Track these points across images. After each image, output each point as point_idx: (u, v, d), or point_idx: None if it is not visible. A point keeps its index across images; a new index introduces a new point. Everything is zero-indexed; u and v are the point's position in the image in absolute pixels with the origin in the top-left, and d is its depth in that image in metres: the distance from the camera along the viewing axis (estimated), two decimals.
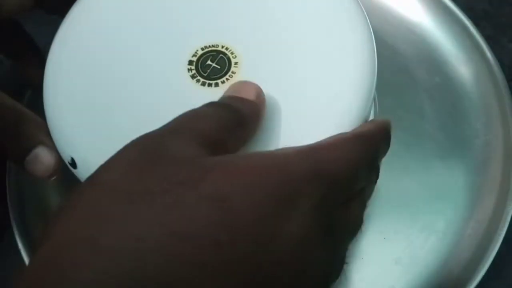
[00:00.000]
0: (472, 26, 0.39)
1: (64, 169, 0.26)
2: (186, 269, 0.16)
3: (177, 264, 0.16)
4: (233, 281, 0.16)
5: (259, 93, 0.23)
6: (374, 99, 0.27)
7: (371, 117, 0.28)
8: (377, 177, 0.23)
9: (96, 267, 0.16)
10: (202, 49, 0.26)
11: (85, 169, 0.24)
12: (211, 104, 0.22)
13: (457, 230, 0.34)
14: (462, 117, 0.37)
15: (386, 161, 0.35)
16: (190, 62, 0.26)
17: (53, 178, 0.28)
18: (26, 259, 0.33)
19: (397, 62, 0.39)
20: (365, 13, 0.27)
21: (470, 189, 0.35)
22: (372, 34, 0.26)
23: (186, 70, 0.25)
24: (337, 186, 0.20)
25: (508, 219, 0.33)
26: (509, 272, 0.34)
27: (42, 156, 0.27)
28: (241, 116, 0.22)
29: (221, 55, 0.26)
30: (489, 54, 0.38)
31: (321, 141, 0.22)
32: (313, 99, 0.24)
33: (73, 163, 0.25)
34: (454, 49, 0.39)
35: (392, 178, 0.35)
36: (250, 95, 0.22)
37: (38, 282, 0.16)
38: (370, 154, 0.22)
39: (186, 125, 0.20)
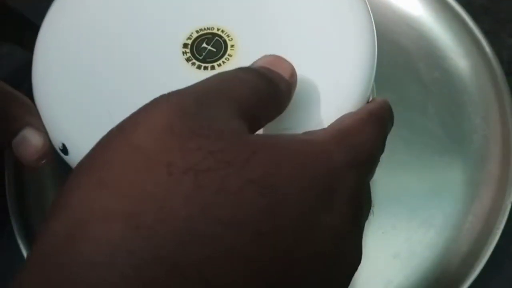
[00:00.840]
0: (471, 21, 0.39)
1: (62, 164, 0.26)
2: (225, 257, 0.15)
3: (218, 252, 0.15)
4: (269, 272, 0.16)
5: (294, 73, 0.21)
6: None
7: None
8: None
9: (134, 248, 0.14)
10: (197, 31, 0.25)
11: (77, 155, 0.24)
12: (248, 70, 0.20)
13: (456, 224, 0.34)
14: (461, 112, 0.37)
15: (385, 156, 0.36)
16: (185, 45, 0.25)
17: (42, 162, 0.26)
18: (26, 255, 0.33)
19: (396, 57, 0.39)
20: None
21: (469, 183, 0.35)
22: (372, 18, 0.26)
23: (181, 53, 0.25)
24: (367, 172, 0.20)
25: (507, 213, 0.33)
26: (507, 266, 0.34)
27: (30, 138, 0.25)
28: (278, 91, 0.20)
29: (216, 37, 0.25)
30: (488, 49, 0.38)
31: (342, 123, 0.20)
32: (313, 82, 0.24)
33: (65, 149, 0.24)
34: (453, 44, 0.39)
35: (391, 172, 0.35)
36: (286, 73, 0.21)
37: (60, 262, 0.14)
38: (384, 134, 0.22)
39: (222, 89, 0.19)
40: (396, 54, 0.39)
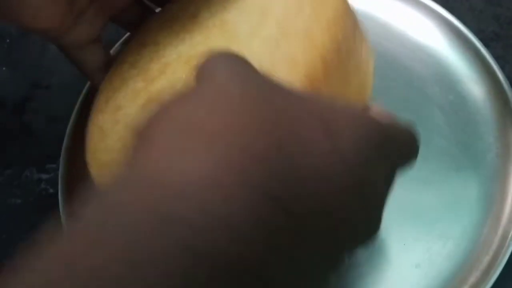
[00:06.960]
0: (483, 48, 0.41)
1: None
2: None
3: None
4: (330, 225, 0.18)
5: None
6: None
7: None
8: None
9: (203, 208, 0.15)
10: None
11: None
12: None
13: (472, 236, 0.36)
14: (475, 132, 0.39)
15: (406, 174, 0.37)
16: None
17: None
18: None
19: (414, 82, 0.41)
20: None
21: (484, 198, 0.37)
22: None
23: None
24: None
25: None
26: None
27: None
28: None
29: None
30: (499, 73, 0.40)
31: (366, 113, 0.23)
32: None
33: None
34: (466, 69, 0.41)
35: (411, 189, 0.37)
36: None
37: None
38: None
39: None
40: (414, 79, 0.41)
